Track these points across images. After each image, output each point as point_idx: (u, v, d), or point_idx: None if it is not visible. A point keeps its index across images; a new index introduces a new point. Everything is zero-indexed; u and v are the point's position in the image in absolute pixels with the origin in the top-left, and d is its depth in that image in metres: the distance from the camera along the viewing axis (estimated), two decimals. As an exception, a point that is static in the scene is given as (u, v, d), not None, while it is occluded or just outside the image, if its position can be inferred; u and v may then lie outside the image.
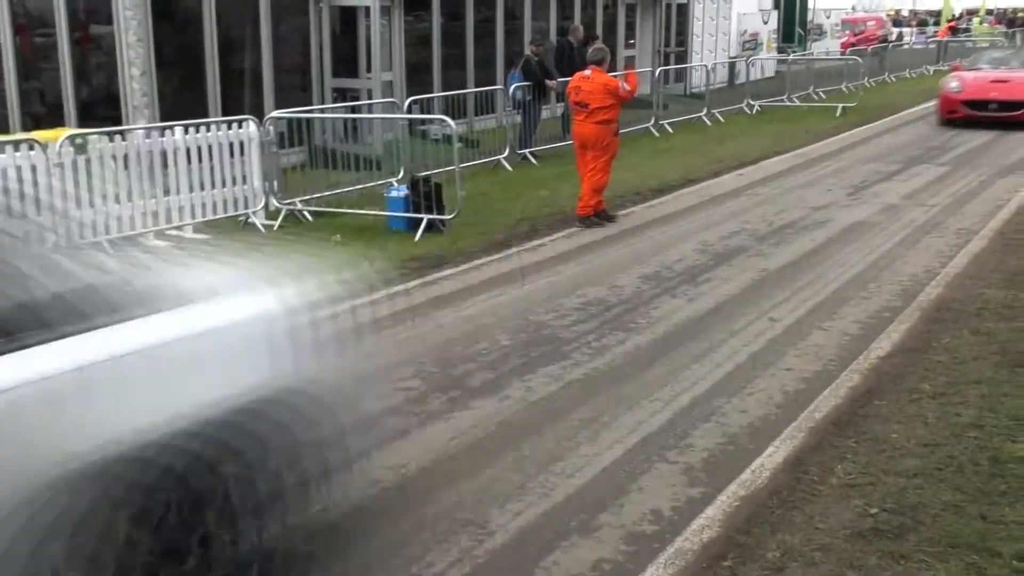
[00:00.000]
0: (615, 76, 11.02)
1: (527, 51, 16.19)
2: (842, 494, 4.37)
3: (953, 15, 48.79)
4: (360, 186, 11.48)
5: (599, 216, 10.31)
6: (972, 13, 55.48)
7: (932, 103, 22.47)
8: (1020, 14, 54.12)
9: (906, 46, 38.28)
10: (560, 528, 4.21)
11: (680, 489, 4.55)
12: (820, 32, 36.64)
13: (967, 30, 45.13)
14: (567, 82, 11.17)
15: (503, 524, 4.24)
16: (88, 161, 9.14)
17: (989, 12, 57.15)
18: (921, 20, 53.80)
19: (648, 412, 5.41)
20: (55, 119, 12.40)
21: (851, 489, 4.41)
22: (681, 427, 5.21)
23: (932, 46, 36.97)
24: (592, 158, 10.19)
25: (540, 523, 4.26)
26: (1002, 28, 47.02)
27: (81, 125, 12.15)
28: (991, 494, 4.29)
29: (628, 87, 10.40)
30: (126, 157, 9.46)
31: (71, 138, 9.17)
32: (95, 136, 9.39)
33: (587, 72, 10.29)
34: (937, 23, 49.31)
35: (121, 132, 9.81)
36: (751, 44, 28.37)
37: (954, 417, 5.11)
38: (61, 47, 12.85)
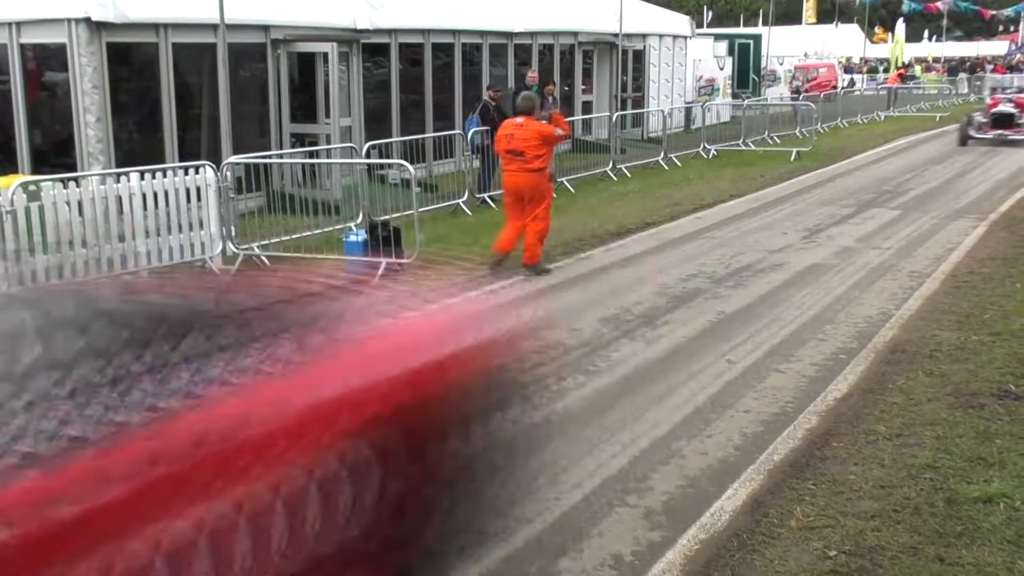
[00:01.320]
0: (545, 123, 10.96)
1: (484, 96, 16.31)
2: (801, 537, 4.38)
3: (903, 63, 49.91)
4: (319, 231, 11.45)
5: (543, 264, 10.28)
6: (921, 61, 56.89)
7: (884, 147, 22.93)
8: (965, 62, 55.56)
9: (857, 92, 39.05)
10: (520, 574, 4.17)
11: (640, 533, 4.53)
12: (774, 78, 37.34)
13: (915, 77, 46.16)
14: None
15: (463, 572, 4.19)
16: (41, 208, 9.03)
17: (936, 60, 58.62)
18: (871, 67, 54.97)
19: (608, 455, 5.40)
20: (8, 166, 12.29)
21: (810, 532, 4.42)
22: (641, 470, 5.20)
23: (883, 92, 37.77)
24: (531, 208, 10.15)
25: (500, 570, 4.21)
26: (948, 76, 48.20)
27: (35, 171, 12.06)
28: (947, 535, 4.32)
29: (561, 132, 10.49)
30: (80, 203, 9.37)
31: (24, 185, 9.07)
32: (48, 183, 9.30)
33: (519, 120, 10.23)
34: (887, 70, 50.46)
35: (76, 178, 9.72)
36: (707, 89, 28.81)
37: (910, 458, 5.15)
38: (15, 93, 12.77)
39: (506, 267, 10.29)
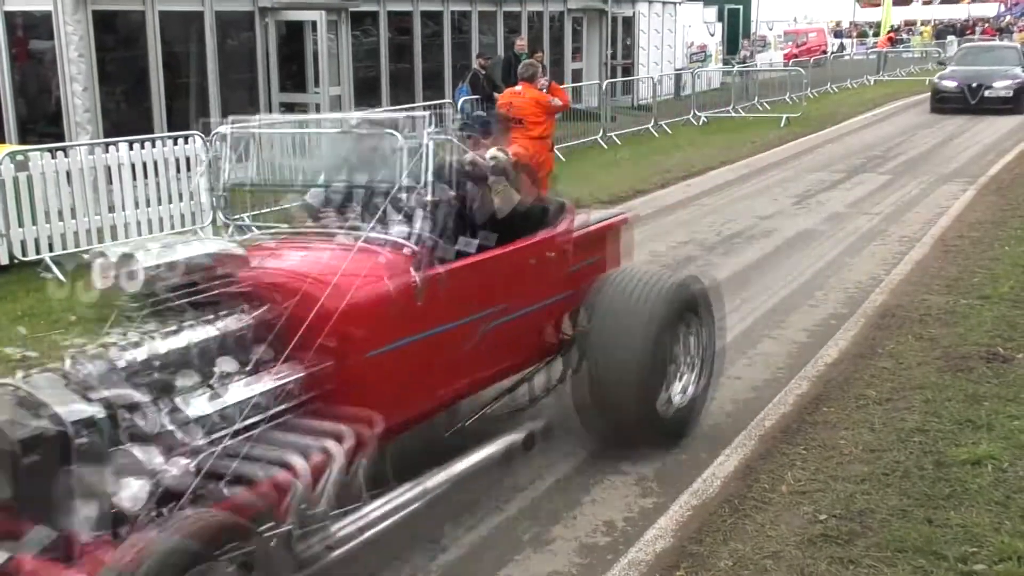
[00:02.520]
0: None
1: (474, 65, 16.23)
2: (792, 501, 4.42)
3: (892, 27, 49.72)
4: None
5: None
6: (911, 24, 56.63)
7: (874, 112, 22.90)
8: (954, 25, 55.33)
9: (847, 57, 38.95)
10: (514, 541, 4.21)
11: (633, 500, 4.58)
12: (764, 44, 37.17)
13: (903, 41, 46.01)
14: None
15: (457, 538, 4.23)
16: (29, 178, 8.99)
17: (925, 23, 58.37)
18: (861, 31, 54.71)
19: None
20: (-5, 136, 12.21)
21: (801, 496, 4.47)
22: (633, 438, 5.24)
23: (872, 57, 37.66)
24: None
25: (494, 536, 4.26)
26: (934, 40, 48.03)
27: (22, 142, 11.97)
28: (936, 498, 4.37)
29: (559, 102, 10.48)
30: (69, 174, 9.32)
31: (11, 155, 9.02)
32: (36, 153, 9.25)
33: (518, 88, 10.37)
34: (877, 34, 50.26)
35: (64, 148, 9.66)
36: (700, 56, 28.69)
37: (899, 422, 5.20)
38: (0, 62, 12.65)
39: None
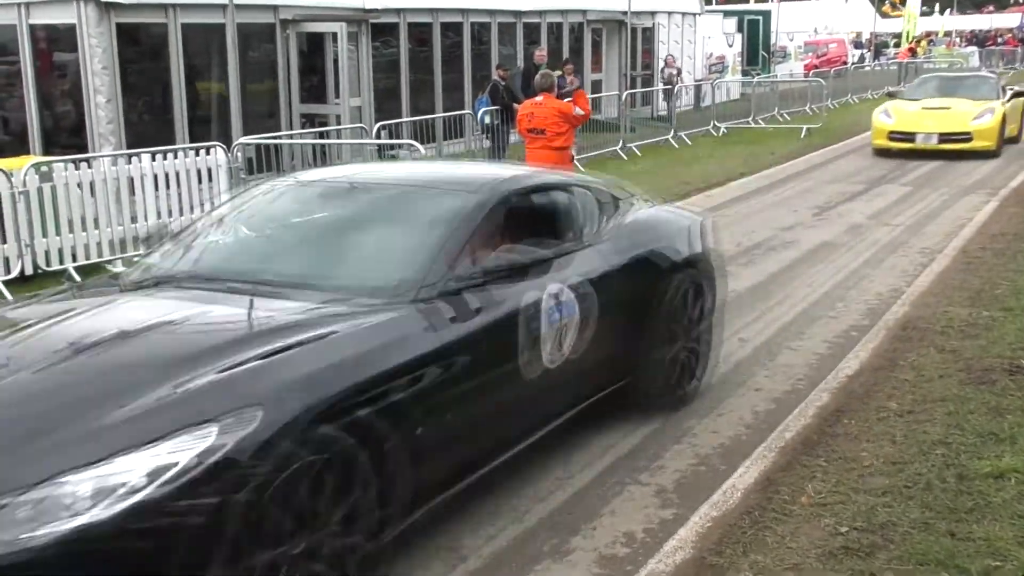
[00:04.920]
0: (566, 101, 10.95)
1: (494, 76, 16.28)
2: (813, 513, 4.40)
3: (914, 37, 49.52)
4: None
5: None
6: (932, 35, 56.39)
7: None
8: (976, 35, 55.02)
9: (867, 68, 38.83)
10: (533, 552, 4.20)
11: (652, 511, 4.56)
12: (784, 55, 37.13)
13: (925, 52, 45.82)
14: None
15: (477, 548, 4.23)
16: (53, 189, 9.07)
17: (947, 34, 58.13)
18: (880, 43, 54.47)
19: (620, 434, 5.42)
20: (19, 147, 12.33)
21: (821, 508, 4.44)
22: (653, 449, 5.23)
23: (893, 68, 37.53)
24: None
25: (513, 547, 4.25)
26: (960, 50, 47.75)
27: (46, 153, 12.09)
28: (958, 511, 4.33)
29: (581, 111, 10.45)
30: (92, 184, 9.41)
31: (35, 166, 9.11)
32: (60, 164, 9.34)
33: (539, 98, 10.21)
34: (897, 45, 50.07)
35: (87, 159, 9.75)
36: (718, 67, 28.67)
37: (921, 435, 5.16)
38: (25, 75, 12.79)
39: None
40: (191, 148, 10.50)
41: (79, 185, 9.30)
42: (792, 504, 4.50)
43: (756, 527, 4.31)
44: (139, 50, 13.45)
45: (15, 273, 8.83)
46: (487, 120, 15.01)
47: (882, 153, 17.15)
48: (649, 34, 25.12)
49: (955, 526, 4.20)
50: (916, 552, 4.00)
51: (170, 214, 10.00)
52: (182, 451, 3.04)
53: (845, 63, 40.21)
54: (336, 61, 15.30)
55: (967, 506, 4.37)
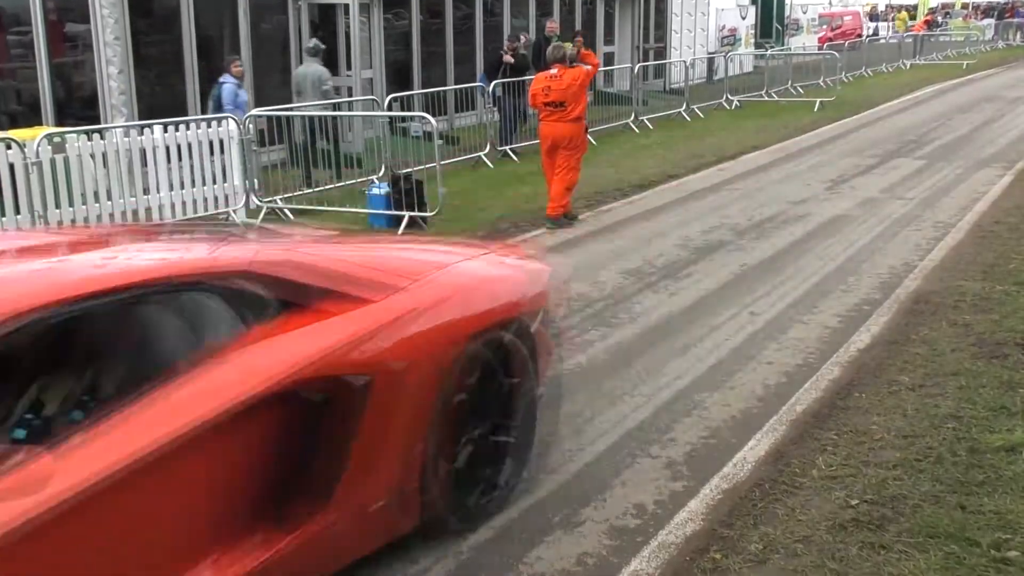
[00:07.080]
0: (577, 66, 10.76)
1: (504, 54, 16.00)
2: (823, 486, 4.41)
3: (929, 8, 49.06)
4: (341, 184, 11.47)
5: (566, 216, 10.25)
6: (948, 7, 55.85)
7: (909, 96, 22.66)
8: (993, 7, 54.43)
9: (882, 40, 38.51)
10: (543, 524, 4.23)
11: (663, 483, 4.58)
12: (797, 27, 36.85)
13: (938, 24, 45.41)
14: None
15: (488, 519, 4.26)
16: (66, 160, 9.10)
17: (964, 7, 57.54)
18: (898, 17, 53.92)
19: (630, 407, 5.44)
20: (32, 118, 12.33)
21: (832, 481, 4.45)
22: (663, 422, 5.24)
23: (908, 40, 37.23)
24: (564, 157, 10.07)
25: (524, 518, 4.28)
26: (977, 22, 47.29)
27: (58, 124, 12.09)
28: (969, 484, 4.34)
29: (591, 66, 10.37)
30: (104, 155, 9.42)
31: (48, 137, 9.13)
32: (73, 135, 9.35)
33: (553, 71, 10.06)
34: (914, 17, 49.60)
35: (99, 130, 9.76)
36: (730, 40, 28.48)
37: (933, 408, 5.16)
38: (37, 45, 12.76)
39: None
40: (203, 120, 10.50)
41: (92, 156, 9.31)
42: (803, 477, 4.51)
43: (766, 499, 4.32)
44: (151, 21, 13.42)
45: (29, 244, 8.84)
46: (498, 92, 14.95)
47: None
48: (662, 6, 24.94)
49: (966, 499, 4.21)
50: (926, 525, 4.01)
51: (182, 186, 10.02)
52: None
53: (860, 36, 39.87)
54: (348, 33, 15.24)
55: (978, 479, 4.38)
